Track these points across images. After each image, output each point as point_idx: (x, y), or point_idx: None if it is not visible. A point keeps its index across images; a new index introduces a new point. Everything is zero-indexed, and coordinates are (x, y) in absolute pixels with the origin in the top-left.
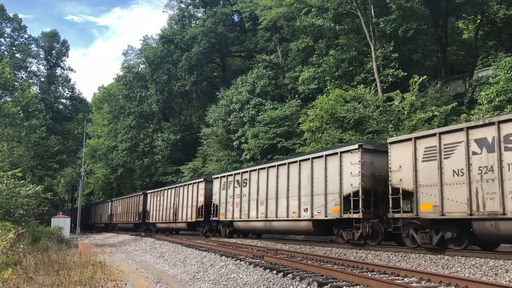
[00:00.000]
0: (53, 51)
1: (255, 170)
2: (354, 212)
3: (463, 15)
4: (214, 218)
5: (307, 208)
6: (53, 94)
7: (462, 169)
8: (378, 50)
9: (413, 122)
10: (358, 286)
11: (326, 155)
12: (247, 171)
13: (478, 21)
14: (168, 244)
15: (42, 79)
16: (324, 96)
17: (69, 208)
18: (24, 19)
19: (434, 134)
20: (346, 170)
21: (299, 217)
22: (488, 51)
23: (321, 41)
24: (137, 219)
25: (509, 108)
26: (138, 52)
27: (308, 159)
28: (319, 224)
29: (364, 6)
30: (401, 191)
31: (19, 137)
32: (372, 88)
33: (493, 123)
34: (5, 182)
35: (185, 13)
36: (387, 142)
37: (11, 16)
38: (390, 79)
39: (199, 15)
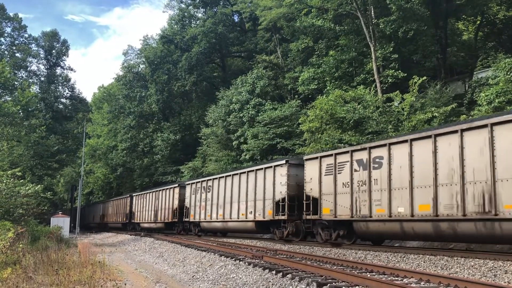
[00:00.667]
0: (53, 51)
1: (217, 178)
2: (282, 215)
3: (463, 16)
4: (186, 219)
5: (252, 211)
6: (53, 93)
7: (348, 182)
8: (378, 51)
9: (413, 123)
10: (357, 287)
11: (265, 168)
12: (211, 179)
13: (478, 22)
14: (167, 244)
15: (42, 79)
16: (324, 97)
17: (69, 208)
18: (25, 18)
19: (332, 155)
20: (278, 181)
21: (246, 218)
22: (488, 52)
23: (321, 42)
24: (124, 219)
25: (508, 109)
26: (138, 52)
27: (253, 170)
28: (260, 224)
29: (364, 7)
30: (311, 198)
31: (19, 136)
32: (372, 88)
33: (365, 148)
34: (4, 181)
35: (185, 13)
36: (304, 158)
37: (12, 16)
38: (390, 80)
39: (199, 15)
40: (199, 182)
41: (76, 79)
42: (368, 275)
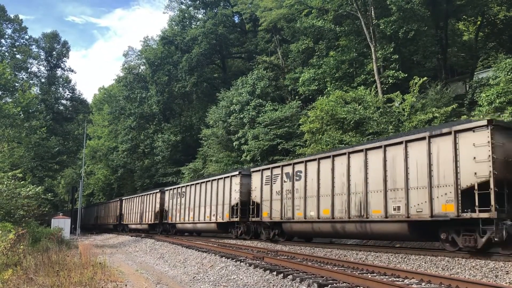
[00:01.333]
0: (54, 52)
1: (189, 185)
2: (235, 217)
3: (464, 16)
4: (165, 221)
5: (214, 214)
6: (53, 95)
7: (279, 191)
8: (379, 52)
9: (413, 124)
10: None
11: (224, 178)
12: (185, 186)
13: (479, 22)
14: (168, 245)
15: (43, 80)
16: (325, 98)
17: (69, 209)
18: (25, 20)
19: (269, 168)
20: (233, 189)
21: (210, 220)
22: (489, 52)
23: (322, 43)
24: (115, 221)
25: (509, 109)
26: (139, 53)
27: (215, 179)
28: (221, 225)
29: (365, 7)
30: (255, 204)
31: (19, 138)
32: (373, 89)
33: (291, 164)
34: (5, 183)
35: (186, 14)
36: (251, 170)
37: (12, 17)
38: (391, 81)
39: (200, 16)
40: (175, 188)
41: (76, 81)
42: (369, 276)
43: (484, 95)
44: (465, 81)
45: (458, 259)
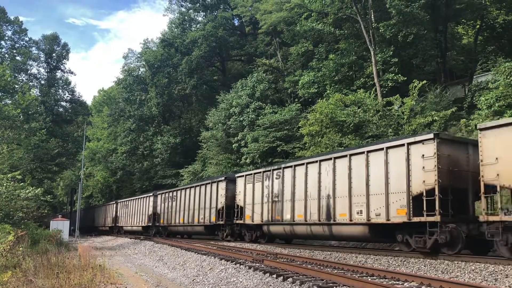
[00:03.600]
0: (54, 54)
1: (179, 190)
2: (221, 220)
3: (463, 20)
4: (157, 223)
5: (202, 217)
6: (53, 96)
7: (260, 195)
8: (378, 55)
9: (413, 127)
10: None
11: (212, 182)
12: (176, 190)
13: (478, 26)
14: (167, 247)
15: (42, 82)
16: (324, 100)
17: (68, 211)
18: (25, 21)
19: (251, 174)
20: (219, 193)
21: (199, 223)
22: (488, 56)
23: (321, 46)
24: (111, 223)
25: (508, 113)
26: (139, 55)
27: (204, 184)
28: (208, 227)
29: (364, 11)
30: (239, 207)
31: (19, 139)
32: (372, 92)
33: (270, 170)
34: (4, 184)
35: (186, 17)
36: (235, 176)
37: (12, 19)
38: (390, 84)
39: (200, 19)
40: (167, 192)
41: (76, 83)
42: (369, 279)
43: (483, 98)
44: (464, 84)
45: (457, 263)
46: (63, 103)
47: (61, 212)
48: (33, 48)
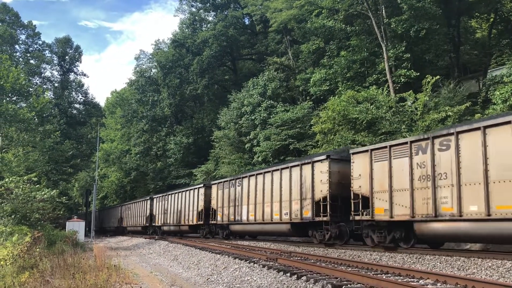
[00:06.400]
0: (67, 57)
1: (171, 194)
2: (200, 221)
3: (476, 14)
4: (153, 224)
5: (187, 218)
6: (66, 99)
7: (227, 199)
8: (390, 51)
9: (427, 123)
10: None
11: (194, 188)
12: (167, 194)
13: (492, 19)
14: (182, 247)
15: (56, 85)
16: (336, 98)
17: (84, 212)
18: (39, 25)
19: (222, 182)
20: (200, 198)
21: (185, 223)
22: (502, 49)
23: (332, 43)
24: (117, 224)
25: None
26: (150, 56)
27: (188, 190)
28: (192, 226)
29: (375, 6)
30: (213, 210)
31: (34, 142)
32: (385, 89)
33: (234, 179)
34: (21, 186)
35: (196, 17)
36: (211, 183)
37: (26, 23)
38: (403, 80)
39: (210, 18)
40: (161, 196)
41: (89, 85)
42: (384, 277)
43: (498, 93)
44: (478, 79)
45: (474, 259)
46: (77, 105)
47: (77, 213)
48: (47, 51)
